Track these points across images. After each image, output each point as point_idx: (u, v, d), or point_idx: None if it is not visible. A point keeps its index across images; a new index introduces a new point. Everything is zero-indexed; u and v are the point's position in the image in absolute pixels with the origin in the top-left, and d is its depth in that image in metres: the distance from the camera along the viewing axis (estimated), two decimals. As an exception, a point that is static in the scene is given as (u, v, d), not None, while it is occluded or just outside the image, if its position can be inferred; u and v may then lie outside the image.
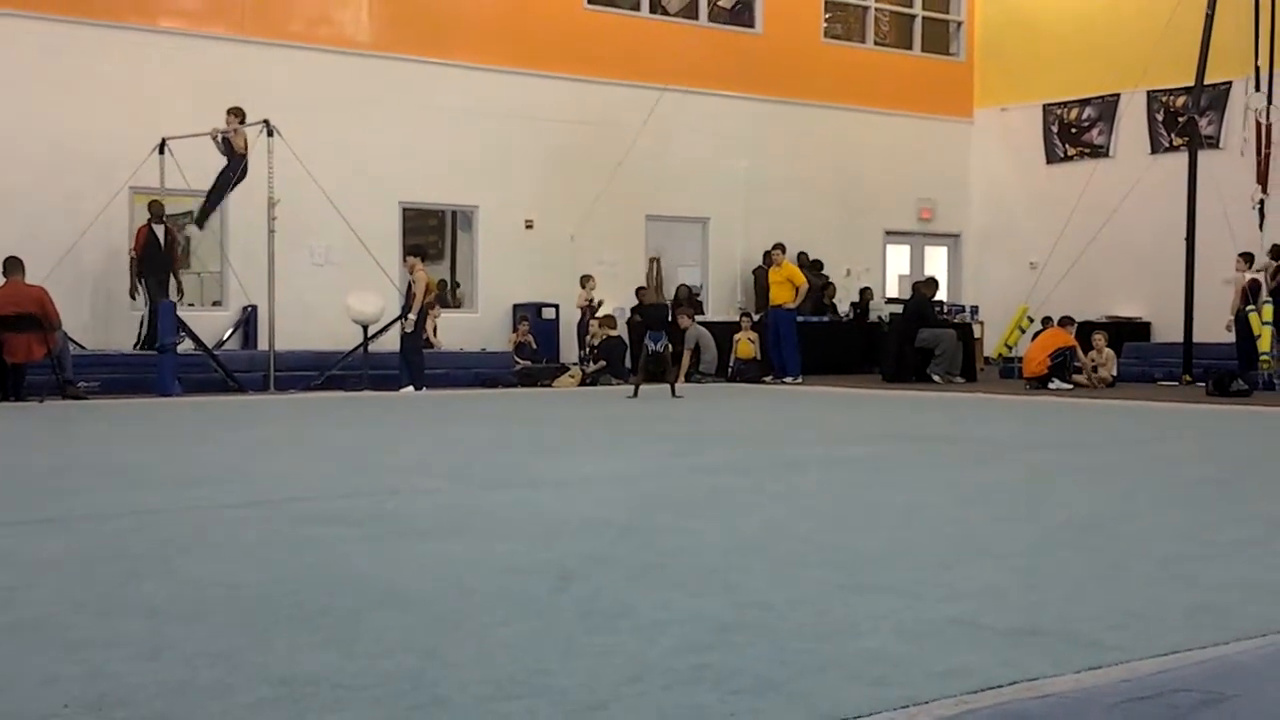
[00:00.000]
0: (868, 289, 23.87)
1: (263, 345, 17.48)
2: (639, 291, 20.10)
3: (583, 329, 20.50)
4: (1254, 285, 18.52)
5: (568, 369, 19.49)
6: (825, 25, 24.84)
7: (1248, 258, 18.87)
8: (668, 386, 15.94)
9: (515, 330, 20.45)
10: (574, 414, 13.97)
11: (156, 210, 17.46)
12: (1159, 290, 21.94)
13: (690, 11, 23.39)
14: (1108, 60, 23.27)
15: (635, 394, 15.73)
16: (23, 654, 3.49)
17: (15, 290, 14.98)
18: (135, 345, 17.25)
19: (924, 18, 25.86)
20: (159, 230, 17.43)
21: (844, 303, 23.44)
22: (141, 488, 7.29)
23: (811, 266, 23.04)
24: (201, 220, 17.46)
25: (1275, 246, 18.78)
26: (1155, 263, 21.95)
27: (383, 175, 19.69)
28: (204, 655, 3.45)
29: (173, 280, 17.58)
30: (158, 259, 17.33)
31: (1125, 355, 20.52)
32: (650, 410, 14.06)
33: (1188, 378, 19.07)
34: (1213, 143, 21.79)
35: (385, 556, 5.01)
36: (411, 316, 17.04)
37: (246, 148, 16.99)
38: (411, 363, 17.20)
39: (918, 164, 25.12)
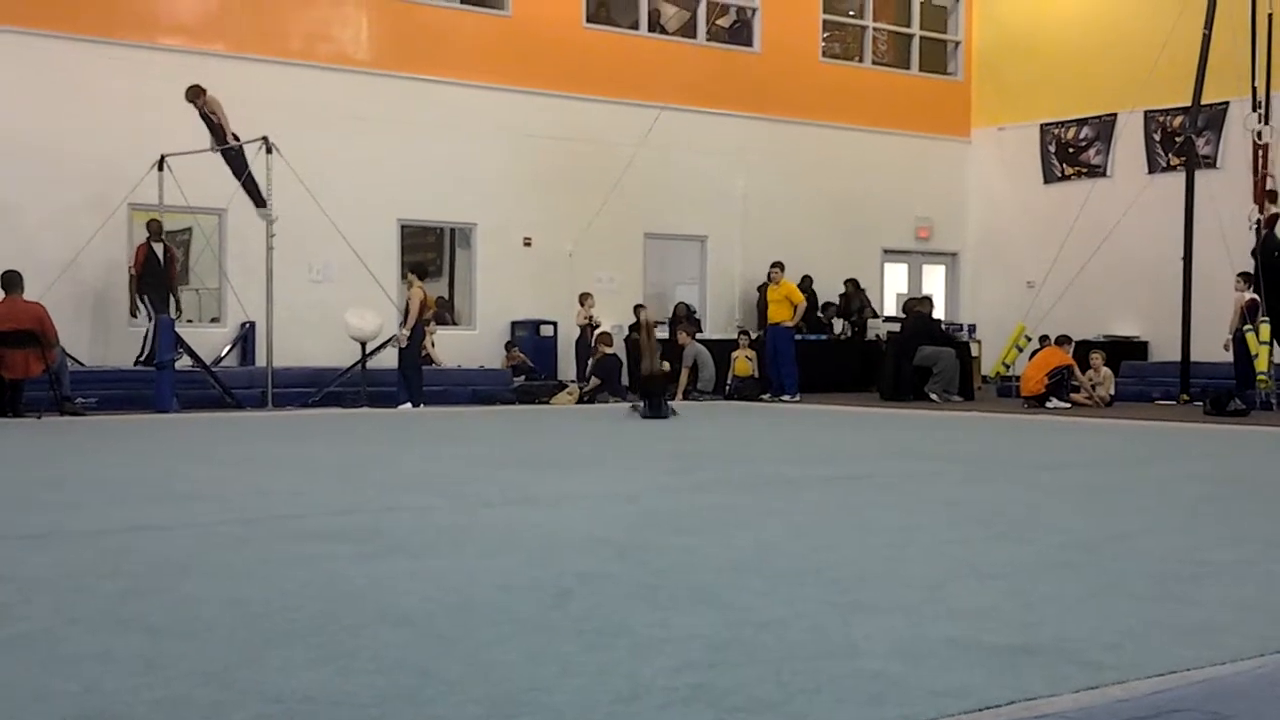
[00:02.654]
0: (869, 306, 23.90)
1: (261, 362, 17.50)
2: (637, 309, 20.12)
3: (583, 347, 20.49)
4: (1252, 305, 18.54)
5: (565, 386, 19.49)
6: (823, 45, 24.91)
7: (1246, 277, 18.89)
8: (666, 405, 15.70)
9: (507, 354, 20.45)
10: (571, 431, 13.96)
11: (155, 228, 17.48)
12: (1156, 309, 21.96)
13: (688, 31, 23.45)
14: (1105, 80, 23.34)
15: (634, 411, 15.63)
16: (17, 669, 3.48)
17: (13, 307, 14.98)
18: (136, 362, 17.23)
19: (922, 37, 25.94)
20: (158, 248, 17.46)
21: (839, 321, 23.48)
22: (138, 504, 7.28)
23: (850, 285, 23.28)
24: (261, 203, 17.33)
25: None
26: (1152, 282, 21.97)
27: (381, 192, 19.72)
28: (199, 672, 3.45)
29: (171, 298, 17.59)
30: (157, 276, 17.34)
31: (1123, 374, 20.53)
32: (647, 428, 14.06)
33: (1185, 397, 19.07)
34: (1210, 162, 21.84)
35: (381, 574, 5.00)
36: (404, 331, 17.05)
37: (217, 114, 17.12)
38: (409, 379, 17.20)
39: (915, 183, 25.17)
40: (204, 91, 17.19)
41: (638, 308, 17.79)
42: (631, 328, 20.08)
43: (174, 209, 17.62)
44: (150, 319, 17.18)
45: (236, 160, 17.25)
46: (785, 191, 23.55)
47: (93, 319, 17.83)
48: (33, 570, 5.10)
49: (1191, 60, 19.67)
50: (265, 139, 16.96)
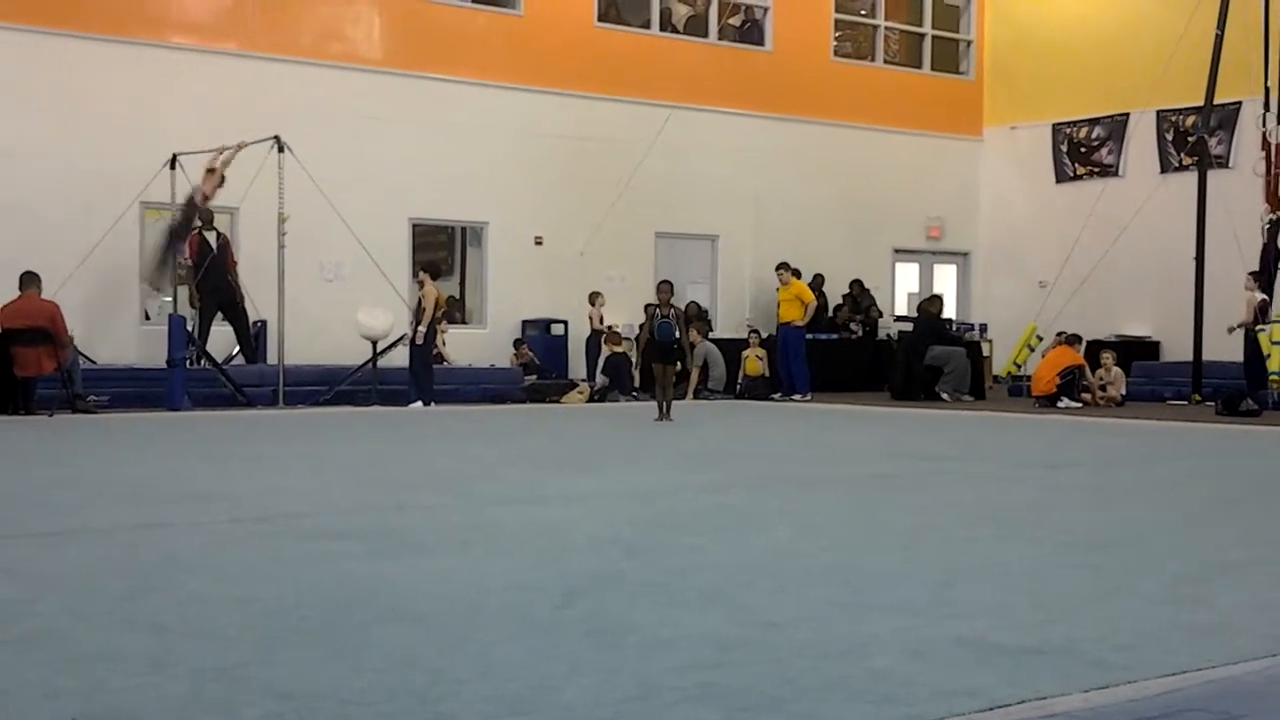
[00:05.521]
0: (875, 306, 23.87)
1: (272, 360, 17.52)
2: (648, 309, 20.15)
3: (594, 346, 20.48)
4: (1264, 305, 18.50)
5: (576, 385, 19.49)
6: (835, 44, 24.87)
7: (1257, 277, 18.85)
8: (665, 404, 14.95)
9: (515, 352, 20.44)
10: (581, 430, 13.96)
11: (206, 217, 17.54)
12: (1168, 309, 21.90)
13: (699, 29, 23.43)
14: (1117, 80, 23.28)
15: (661, 416, 14.77)
16: (27, 667, 3.49)
17: (28, 304, 15.05)
18: (226, 361, 17.39)
19: (933, 37, 25.88)
20: (210, 237, 17.54)
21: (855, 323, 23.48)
22: (148, 502, 7.30)
23: (855, 286, 23.30)
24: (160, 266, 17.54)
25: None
26: (1164, 282, 21.92)
27: (392, 191, 19.74)
28: (209, 670, 3.45)
29: (233, 285, 17.74)
30: (212, 267, 17.42)
31: (1134, 374, 20.48)
32: (657, 428, 14.05)
33: (1197, 397, 19.02)
34: (1222, 162, 21.76)
35: (391, 572, 5.01)
36: (421, 329, 17.04)
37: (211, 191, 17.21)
38: (420, 377, 17.21)
39: (927, 182, 25.12)
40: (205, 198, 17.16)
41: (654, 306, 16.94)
42: (642, 326, 20.04)
43: (186, 208, 17.64)
44: (200, 315, 17.38)
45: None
46: (796, 191, 23.53)
47: (105, 317, 17.84)
48: (43, 568, 5.12)
49: (1204, 60, 19.61)
50: (277, 138, 16.97)
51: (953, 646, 3.77)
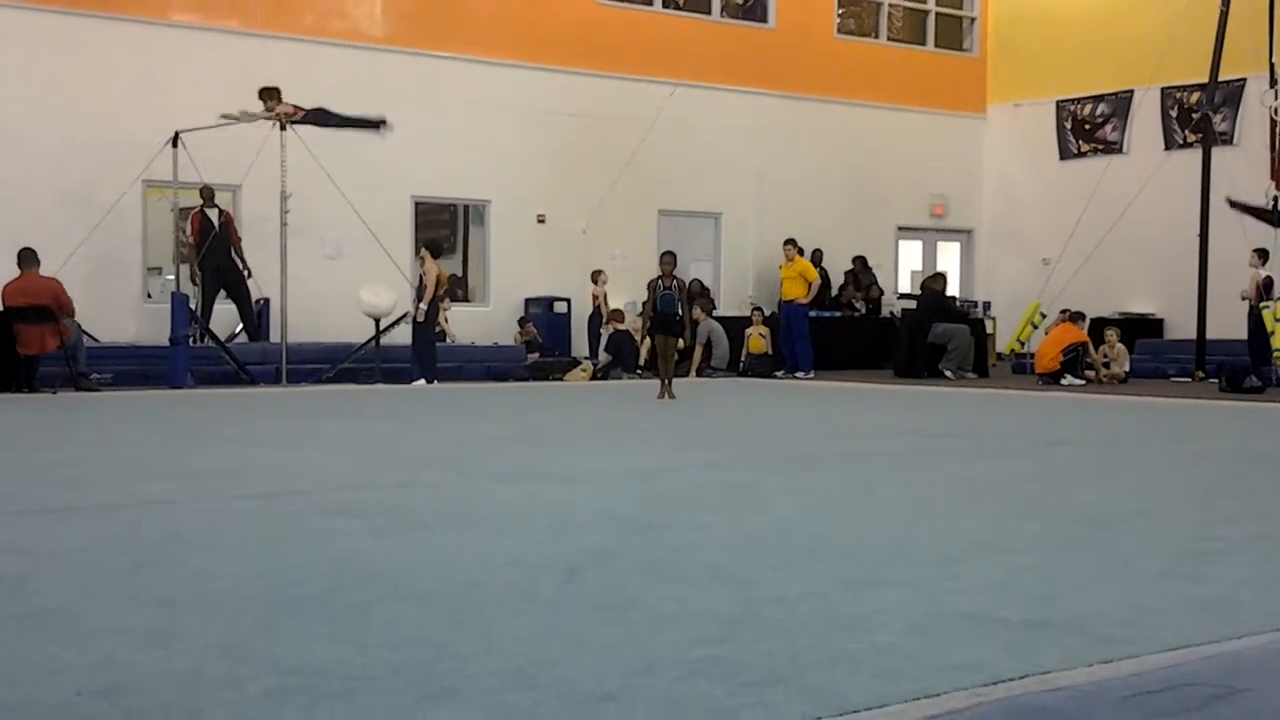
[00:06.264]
0: (877, 284, 23.85)
1: (275, 338, 17.52)
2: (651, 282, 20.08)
3: (596, 324, 20.48)
4: (1268, 282, 18.48)
5: (579, 363, 19.50)
6: (838, 20, 24.82)
7: (1262, 254, 18.82)
8: (667, 380, 14.82)
9: (521, 330, 20.43)
10: (584, 408, 13.97)
11: (207, 194, 17.55)
12: (1172, 286, 21.88)
13: (702, 6, 23.36)
14: (1121, 56, 23.22)
15: (663, 393, 14.66)
16: (34, 643, 3.50)
17: (29, 282, 15.03)
18: (230, 340, 17.42)
19: (937, 13, 25.82)
20: (212, 214, 17.53)
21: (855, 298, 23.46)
22: (152, 479, 7.30)
23: (858, 263, 23.28)
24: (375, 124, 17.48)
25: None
26: (1168, 259, 21.89)
27: (395, 169, 19.70)
28: (214, 645, 3.46)
29: (240, 262, 17.80)
30: (215, 244, 17.42)
31: (1138, 351, 20.46)
32: (660, 405, 14.05)
33: (1200, 374, 19.00)
34: (1226, 139, 21.72)
35: (395, 549, 5.01)
36: (422, 306, 17.03)
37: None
38: (422, 355, 17.21)
39: (930, 160, 25.08)
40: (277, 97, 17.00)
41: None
42: (645, 303, 19.97)
43: (188, 185, 17.62)
44: (201, 292, 17.42)
45: (325, 119, 17.22)
46: (800, 168, 23.49)
47: (107, 295, 17.84)
48: (47, 545, 5.13)
49: (1209, 36, 19.54)
50: (280, 115, 16.93)
51: (956, 621, 3.78)
